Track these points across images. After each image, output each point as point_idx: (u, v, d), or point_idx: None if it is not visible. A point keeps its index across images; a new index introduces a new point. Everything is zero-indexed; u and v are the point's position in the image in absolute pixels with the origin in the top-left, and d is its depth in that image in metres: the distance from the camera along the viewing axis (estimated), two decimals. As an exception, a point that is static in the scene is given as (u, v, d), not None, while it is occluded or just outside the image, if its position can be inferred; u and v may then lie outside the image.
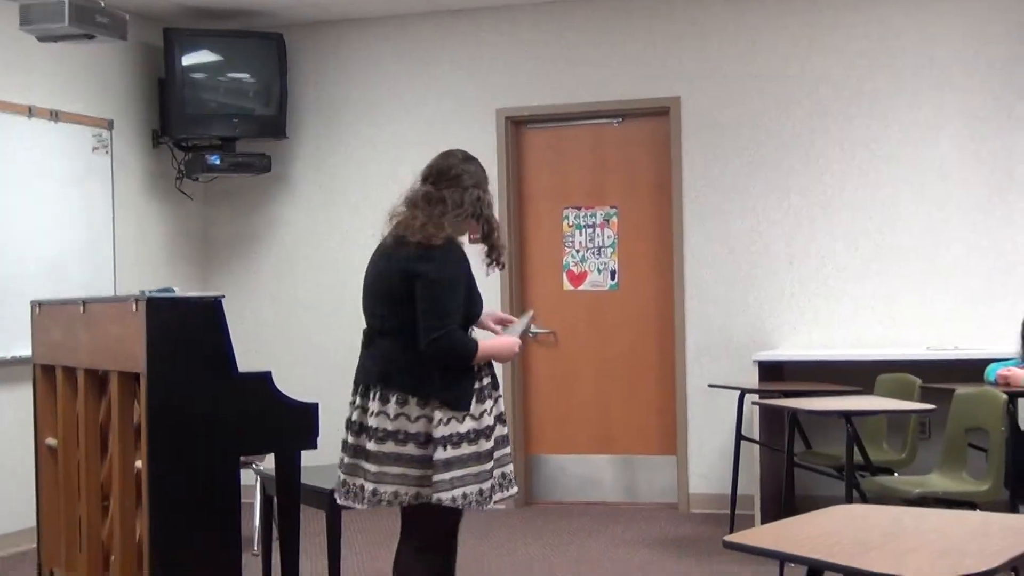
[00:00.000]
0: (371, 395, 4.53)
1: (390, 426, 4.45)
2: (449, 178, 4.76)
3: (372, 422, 4.49)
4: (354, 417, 4.59)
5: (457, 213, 4.69)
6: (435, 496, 4.40)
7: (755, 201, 8.18)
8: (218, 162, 8.66)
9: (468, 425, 4.47)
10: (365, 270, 4.74)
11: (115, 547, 5.36)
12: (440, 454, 4.40)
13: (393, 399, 4.47)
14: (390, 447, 4.45)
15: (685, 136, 8.30)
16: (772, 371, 7.64)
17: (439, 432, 4.42)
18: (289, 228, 9.14)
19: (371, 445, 4.48)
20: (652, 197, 8.53)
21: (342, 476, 4.60)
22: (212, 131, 8.72)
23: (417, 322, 4.48)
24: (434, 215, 4.64)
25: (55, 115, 7.84)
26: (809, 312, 8.07)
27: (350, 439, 4.59)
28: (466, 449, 4.45)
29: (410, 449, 4.44)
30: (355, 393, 4.63)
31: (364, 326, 4.70)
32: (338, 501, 4.72)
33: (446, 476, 4.40)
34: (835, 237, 8.04)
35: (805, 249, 8.08)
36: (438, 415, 4.43)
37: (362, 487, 4.51)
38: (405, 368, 4.49)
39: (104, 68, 8.35)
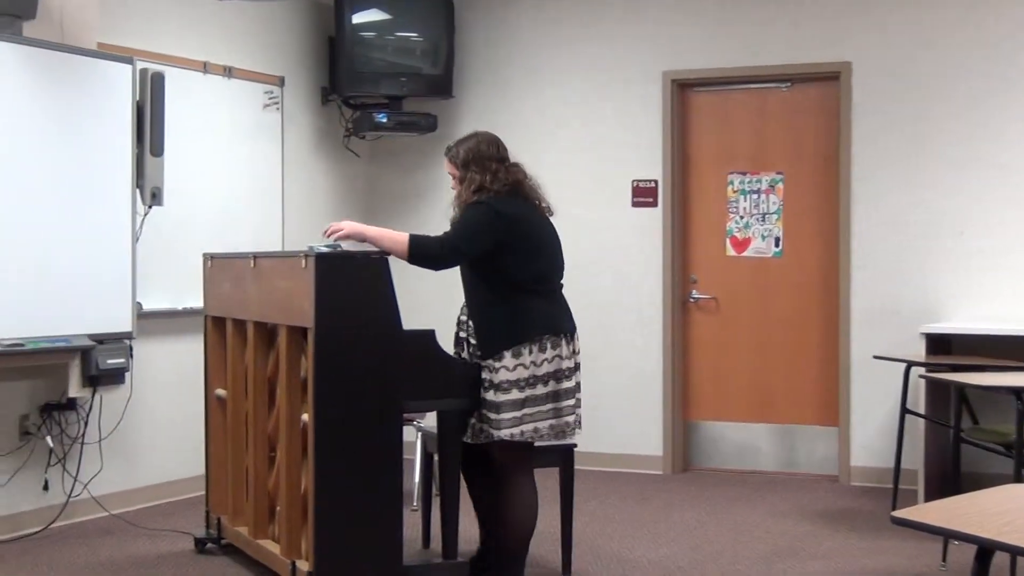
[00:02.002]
0: (574, 339, 5.42)
1: None
2: None
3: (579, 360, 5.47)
4: (575, 363, 5.40)
5: None
6: None
7: (925, 169, 8.01)
8: (385, 120, 8.77)
9: None
10: (538, 227, 5.40)
11: (281, 498, 5.50)
12: None
13: None
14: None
15: (855, 102, 8.16)
16: (940, 344, 7.49)
17: None
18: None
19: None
20: (819, 164, 8.41)
21: (579, 414, 5.42)
22: (380, 89, 8.82)
23: None
24: None
25: (229, 71, 8.01)
26: (979, 284, 7.88)
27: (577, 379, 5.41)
28: None
29: None
30: (568, 342, 5.36)
31: (551, 279, 5.42)
32: (573, 439, 5.59)
33: None
34: (1008, 208, 7.83)
35: (976, 220, 7.89)
36: None
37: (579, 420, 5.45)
38: None
39: (276, 26, 8.51)
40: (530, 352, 5.21)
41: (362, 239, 5.31)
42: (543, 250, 5.35)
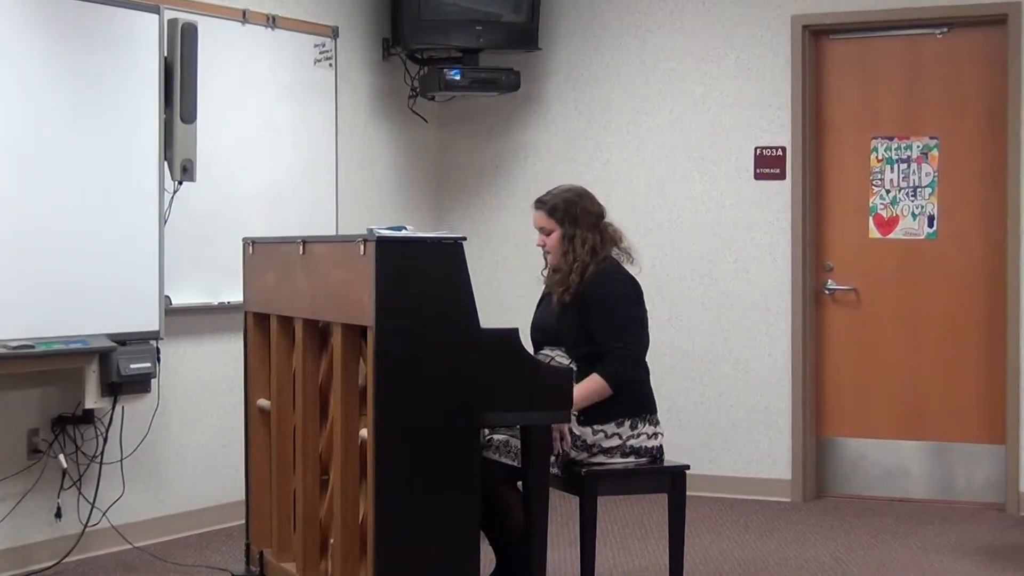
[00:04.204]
0: None
1: None
2: None
3: None
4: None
5: None
6: None
7: (1115, 132, 7.93)
8: (458, 78, 8.76)
9: None
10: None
11: (335, 528, 5.50)
12: None
13: None
14: None
15: (1027, 51, 8.09)
16: None
17: None
18: (540, 156, 9.20)
19: None
20: (983, 125, 8.33)
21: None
22: (452, 41, 8.82)
23: None
24: None
25: (272, 20, 8.04)
26: None
27: None
28: None
29: None
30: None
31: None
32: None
33: None
34: None
35: None
36: None
37: None
38: None
39: (328, -34, 8.55)
40: (633, 427, 5.79)
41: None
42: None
